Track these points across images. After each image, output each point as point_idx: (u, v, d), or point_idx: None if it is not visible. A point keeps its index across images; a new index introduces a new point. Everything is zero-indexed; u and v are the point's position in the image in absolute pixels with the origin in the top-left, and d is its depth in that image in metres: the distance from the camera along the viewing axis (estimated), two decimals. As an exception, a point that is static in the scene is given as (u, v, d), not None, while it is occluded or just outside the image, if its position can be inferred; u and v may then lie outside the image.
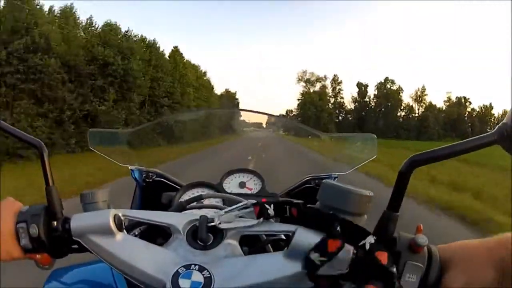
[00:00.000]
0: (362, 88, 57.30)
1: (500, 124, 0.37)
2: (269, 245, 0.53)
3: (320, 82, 56.80)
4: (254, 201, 0.48)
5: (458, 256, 0.39)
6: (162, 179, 0.95)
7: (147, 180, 0.93)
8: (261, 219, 0.47)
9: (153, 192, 0.92)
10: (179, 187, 0.90)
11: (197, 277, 0.41)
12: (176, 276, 0.41)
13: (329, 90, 55.95)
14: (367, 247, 0.40)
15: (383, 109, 56.95)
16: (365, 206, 0.43)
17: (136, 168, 0.93)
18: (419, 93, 55.67)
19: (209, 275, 0.41)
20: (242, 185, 0.92)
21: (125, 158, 0.96)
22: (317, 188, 0.46)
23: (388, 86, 57.18)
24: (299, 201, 0.49)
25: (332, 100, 57.49)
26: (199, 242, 0.46)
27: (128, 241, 0.47)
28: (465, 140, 0.39)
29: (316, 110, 52.97)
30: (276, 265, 0.42)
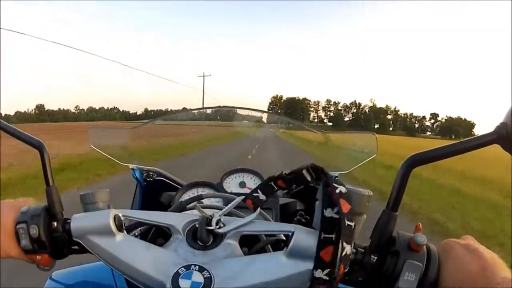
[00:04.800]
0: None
1: (499, 124, 0.37)
2: (268, 245, 0.53)
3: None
4: (243, 196, 0.48)
5: (457, 256, 0.39)
6: (163, 178, 0.95)
7: (148, 179, 0.93)
8: (258, 209, 0.47)
9: (154, 192, 0.92)
10: (180, 187, 0.90)
11: (197, 277, 0.41)
12: (176, 276, 0.41)
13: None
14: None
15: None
16: (364, 206, 0.42)
17: (136, 167, 0.92)
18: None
19: (209, 275, 0.41)
20: (242, 184, 0.92)
21: (126, 156, 0.95)
22: (317, 188, 0.46)
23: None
24: (280, 173, 0.49)
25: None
26: (199, 242, 0.46)
27: (128, 242, 0.47)
28: (464, 139, 0.40)
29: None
30: (276, 265, 0.42)
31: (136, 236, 0.54)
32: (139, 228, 0.55)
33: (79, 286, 0.74)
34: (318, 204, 0.45)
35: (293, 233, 0.43)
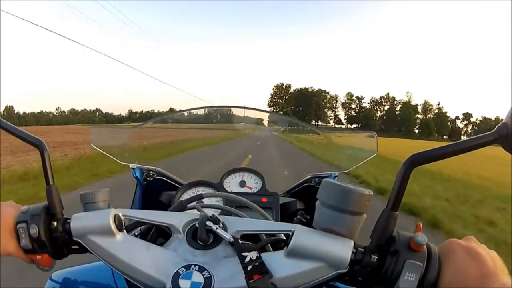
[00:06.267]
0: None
1: (500, 124, 0.37)
2: (269, 244, 0.53)
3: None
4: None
5: (457, 258, 0.39)
6: (163, 178, 0.95)
7: (148, 178, 0.93)
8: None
9: (154, 191, 0.92)
10: (180, 186, 0.90)
11: (197, 277, 0.41)
12: (176, 276, 0.41)
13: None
14: None
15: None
16: (365, 205, 0.42)
17: (137, 166, 0.92)
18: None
19: (209, 275, 0.41)
20: (242, 184, 0.92)
21: (126, 155, 0.95)
22: (318, 187, 0.46)
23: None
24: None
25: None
26: (199, 242, 0.46)
27: (128, 241, 0.47)
28: (465, 139, 0.40)
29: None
30: (276, 264, 0.42)
31: (136, 236, 0.53)
32: (139, 228, 0.55)
33: (79, 286, 0.73)
34: (318, 204, 0.45)
35: (293, 233, 0.43)
